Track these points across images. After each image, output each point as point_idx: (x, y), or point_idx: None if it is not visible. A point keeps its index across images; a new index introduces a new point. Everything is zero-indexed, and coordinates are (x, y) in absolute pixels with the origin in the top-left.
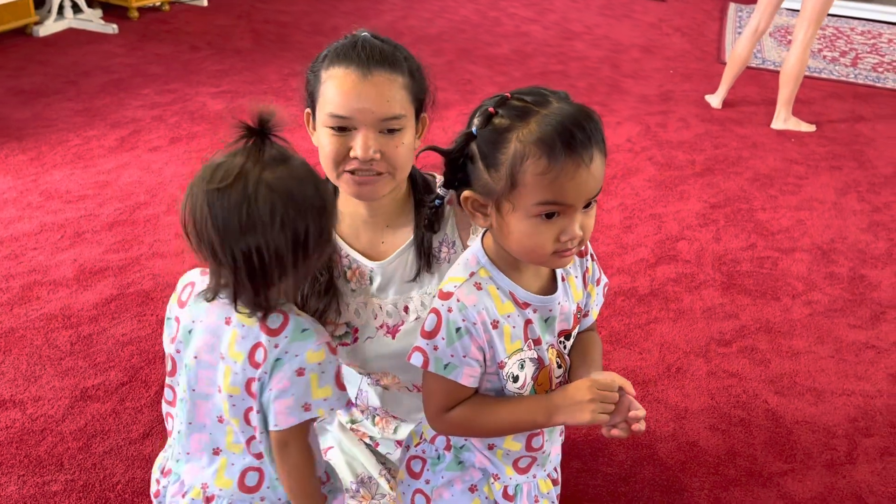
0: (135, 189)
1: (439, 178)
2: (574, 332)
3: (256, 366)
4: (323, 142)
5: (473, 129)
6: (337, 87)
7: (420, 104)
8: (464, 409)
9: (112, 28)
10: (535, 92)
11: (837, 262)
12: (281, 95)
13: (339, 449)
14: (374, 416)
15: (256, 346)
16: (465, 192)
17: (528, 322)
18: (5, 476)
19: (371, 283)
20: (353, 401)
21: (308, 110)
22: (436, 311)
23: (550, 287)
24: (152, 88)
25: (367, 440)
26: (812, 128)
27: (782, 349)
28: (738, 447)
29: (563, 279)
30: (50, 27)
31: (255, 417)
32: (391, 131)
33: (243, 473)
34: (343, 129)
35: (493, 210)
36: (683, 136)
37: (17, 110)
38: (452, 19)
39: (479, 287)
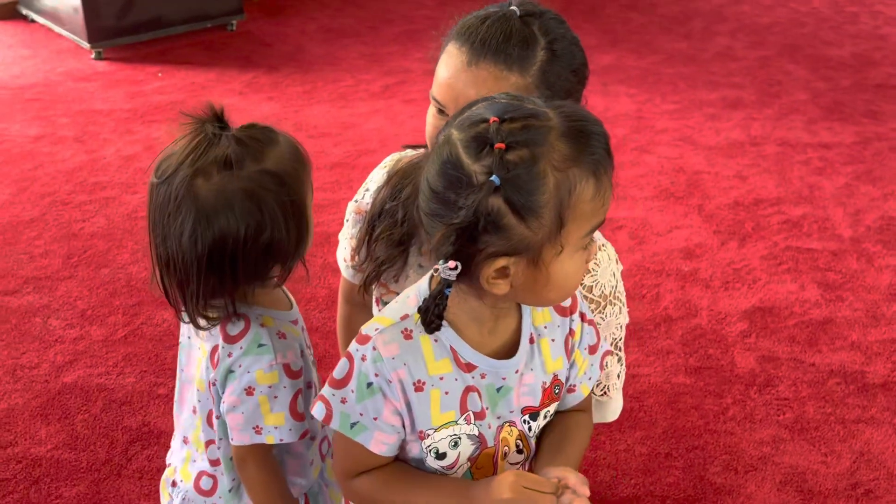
0: (372, 136)
1: None
2: (543, 412)
3: (215, 367)
4: (428, 112)
5: (494, 178)
6: (443, 66)
7: None
8: (372, 479)
9: None
10: (512, 104)
11: None
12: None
13: None
14: None
15: (215, 347)
16: (498, 262)
17: (468, 389)
18: (130, 367)
19: None
20: None
21: None
22: (348, 357)
23: (511, 349)
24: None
25: None
26: None
27: None
28: None
29: (531, 341)
30: None
31: (216, 423)
32: None
33: (199, 476)
34: (442, 111)
35: (522, 268)
36: None
37: (318, 46)
38: (797, 10)
39: (407, 335)
